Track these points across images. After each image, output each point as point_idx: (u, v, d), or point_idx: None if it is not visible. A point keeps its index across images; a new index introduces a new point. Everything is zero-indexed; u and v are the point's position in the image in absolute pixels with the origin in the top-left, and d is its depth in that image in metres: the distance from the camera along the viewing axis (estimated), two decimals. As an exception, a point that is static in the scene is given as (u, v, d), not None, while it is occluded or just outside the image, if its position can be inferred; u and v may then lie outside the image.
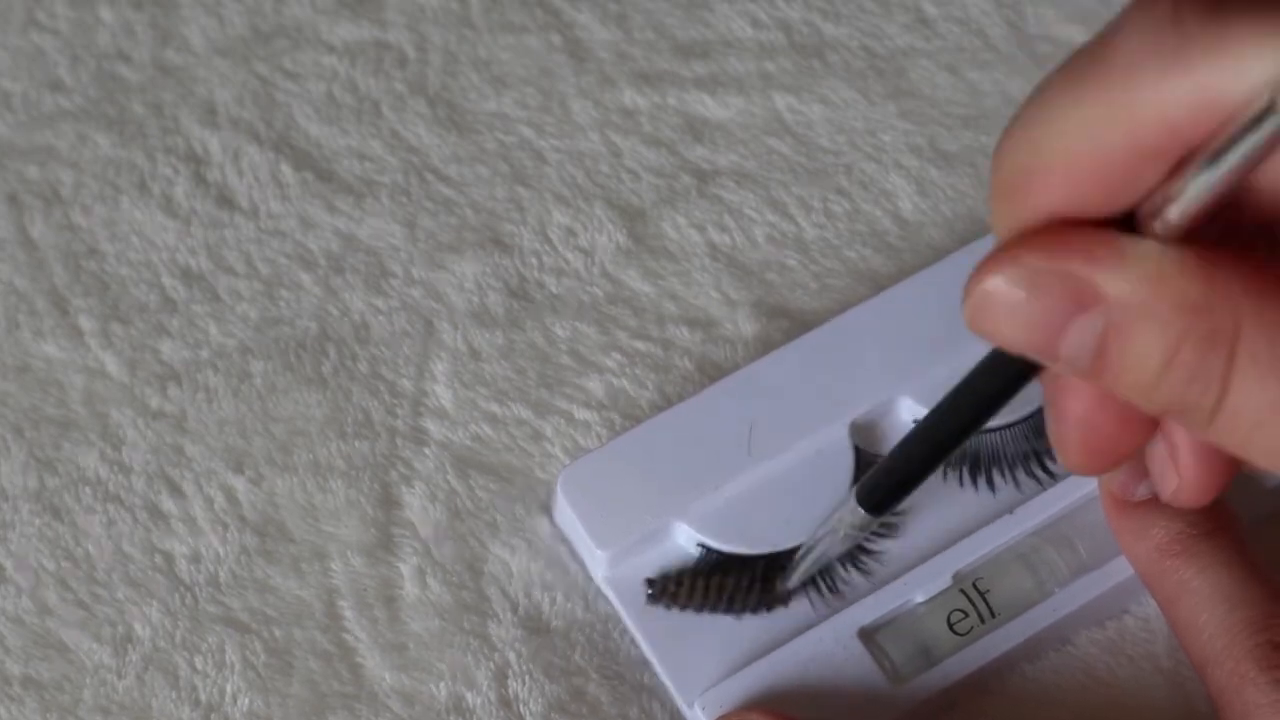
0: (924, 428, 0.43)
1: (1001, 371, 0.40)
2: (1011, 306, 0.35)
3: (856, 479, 0.49)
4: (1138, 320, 0.34)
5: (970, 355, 0.51)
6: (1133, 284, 0.34)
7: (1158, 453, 0.41)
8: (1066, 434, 0.40)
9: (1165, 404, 0.35)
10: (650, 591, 0.48)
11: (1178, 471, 0.41)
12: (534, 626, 0.49)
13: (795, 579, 0.48)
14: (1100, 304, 0.34)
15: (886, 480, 0.45)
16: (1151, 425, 0.40)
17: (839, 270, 0.55)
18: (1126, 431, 0.39)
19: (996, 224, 0.36)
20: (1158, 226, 0.34)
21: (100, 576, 0.50)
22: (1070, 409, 0.39)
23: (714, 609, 0.48)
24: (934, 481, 0.50)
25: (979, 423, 0.42)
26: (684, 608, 0.48)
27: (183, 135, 0.57)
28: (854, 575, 0.49)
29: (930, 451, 0.44)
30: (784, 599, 0.48)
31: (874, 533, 0.49)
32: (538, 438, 0.52)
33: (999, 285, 0.35)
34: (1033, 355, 0.36)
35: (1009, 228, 0.36)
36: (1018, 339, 0.36)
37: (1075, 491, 0.49)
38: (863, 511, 0.46)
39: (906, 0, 0.59)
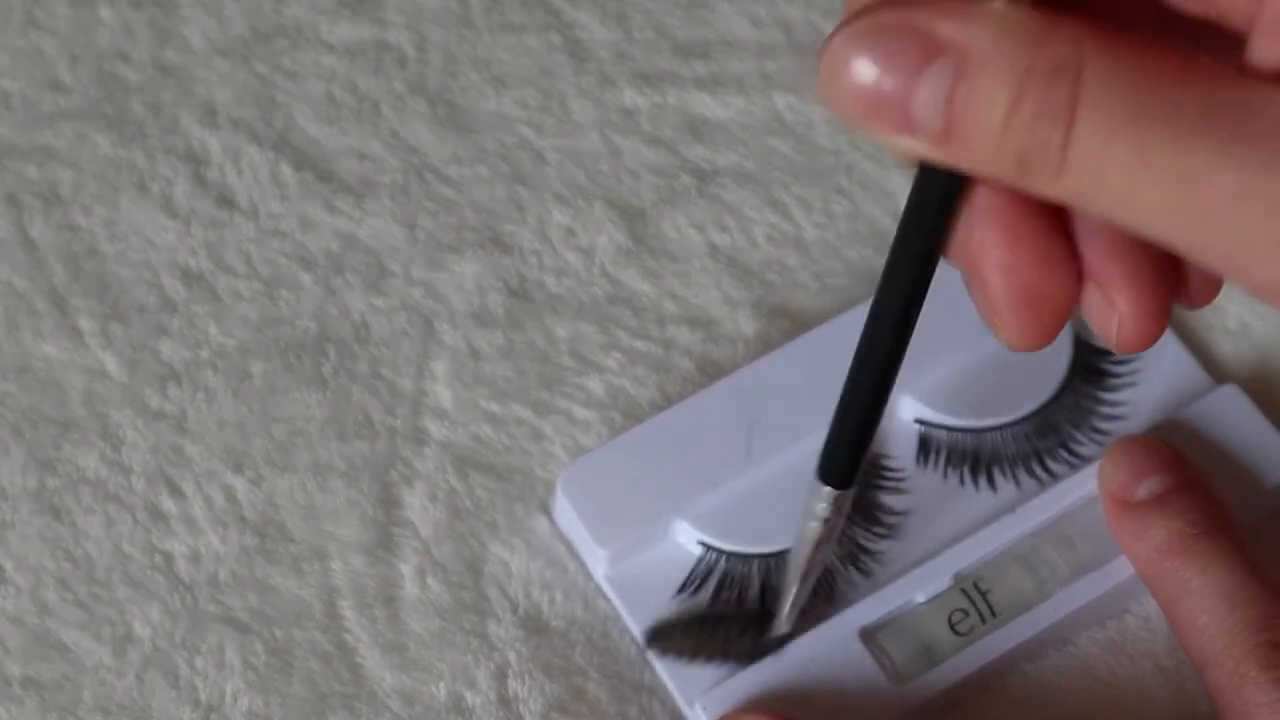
0: (852, 372, 0.41)
1: (908, 254, 0.38)
2: (860, 66, 0.34)
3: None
4: (983, 63, 0.33)
5: (970, 355, 0.51)
6: (977, 29, 0.33)
7: (1093, 300, 0.38)
8: (993, 298, 0.38)
9: (1015, 154, 0.34)
10: (649, 640, 0.48)
11: (1115, 308, 0.38)
12: (534, 626, 0.49)
13: (788, 618, 0.47)
14: (946, 52, 0.34)
15: (840, 443, 0.43)
16: (1073, 268, 0.38)
17: (839, 270, 0.55)
18: (1048, 274, 0.37)
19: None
20: None
21: (100, 576, 0.50)
22: (986, 265, 0.38)
23: (709, 659, 0.48)
24: (934, 481, 0.50)
25: (904, 339, 0.40)
26: (679, 657, 0.48)
27: (183, 135, 0.57)
28: (854, 575, 0.49)
29: (872, 388, 0.41)
30: (780, 644, 0.48)
31: (874, 533, 0.49)
32: (538, 437, 0.52)
33: (847, 44, 0.34)
34: (886, 128, 0.35)
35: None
36: (869, 105, 0.34)
37: (1075, 491, 0.49)
38: (826, 488, 0.44)
39: (906, 0, 0.59)
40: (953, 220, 0.37)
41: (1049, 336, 0.38)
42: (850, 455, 0.43)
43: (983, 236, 0.37)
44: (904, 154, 0.35)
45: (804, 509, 0.45)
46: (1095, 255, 0.38)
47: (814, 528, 0.45)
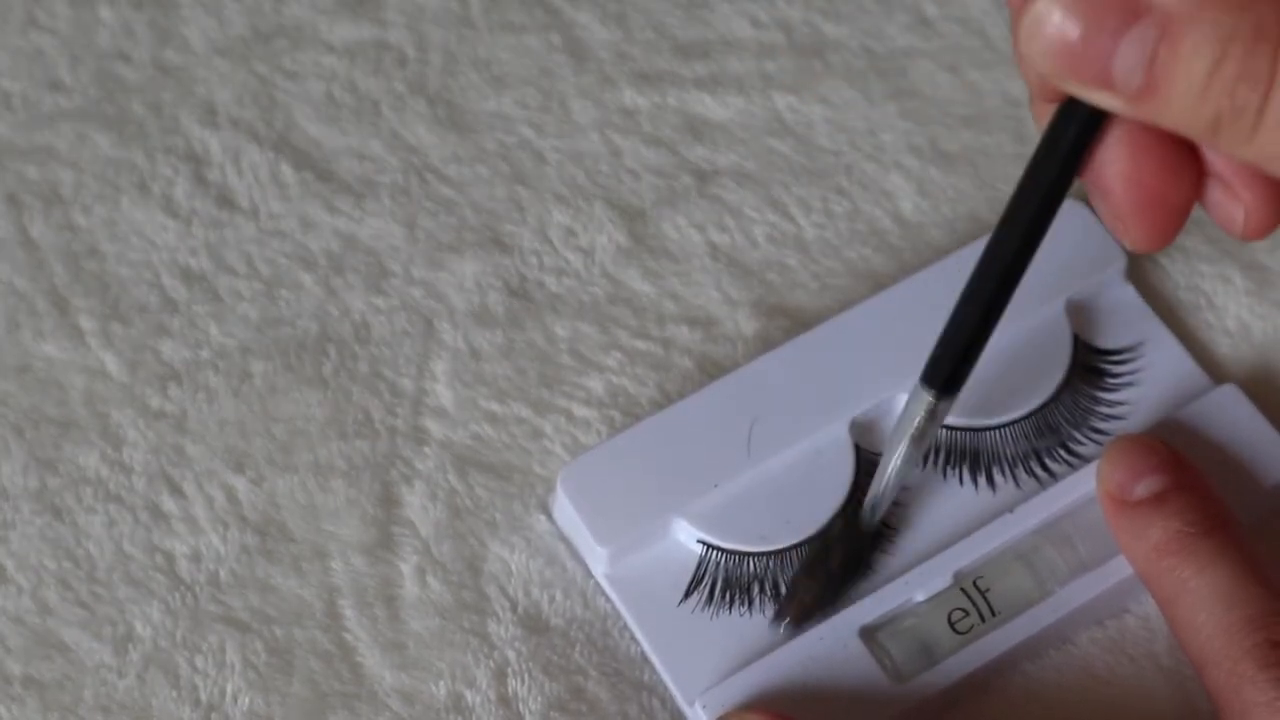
0: (976, 278, 0.43)
1: (1050, 164, 0.40)
2: (1066, 22, 0.36)
3: (856, 478, 0.49)
4: (1188, 24, 0.35)
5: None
6: None
7: (1215, 197, 0.41)
8: (1118, 204, 0.40)
9: (1212, 115, 0.36)
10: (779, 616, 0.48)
11: (1241, 202, 0.40)
12: (533, 625, 0.49)
13: (881, 508, 0.48)
14: (1150, 14, 0.35)
15: (950, 348, 0.44)
16: (1193, 171, 0.40)
17: (839, 270, 0.55)
18: (1170, 180, 0.39)
19: None
20: None
21: (101, 576, 0.50)
22: (1114, 174, 0.40)
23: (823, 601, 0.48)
24: (934, 481, 0.50)
25: (1035, 244, 0.42)
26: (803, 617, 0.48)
27: (183, 135, 0.57)
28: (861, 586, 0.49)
29: (989, 299, 0.43)
30: (871, 544, 0.49)
31: (873, 536, 0.49)
32: (538, 436, 0.52)
33: (1051, 5, 0.36)
34: (1083, 83, 0.36)
35: None
36: (1069, 60, 0.36)
37: (1075, 491, 0.49)
38: (930, 397, 0.45)
39: (906, 0, 0.59)
40: (1093, 149, 0.39)
41: (1170, 238, 0.40)
42: (957, 363, 0.45)
43: (1108, 151, 0.39)
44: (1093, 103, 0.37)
45: (903, 412, 0.46)
46: (1220, 158, 0.39)
47: (911, 431, 0.46)
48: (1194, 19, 0.35)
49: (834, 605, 0.48)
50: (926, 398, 0.46)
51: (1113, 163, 0.39)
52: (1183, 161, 0.39)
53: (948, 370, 0.45)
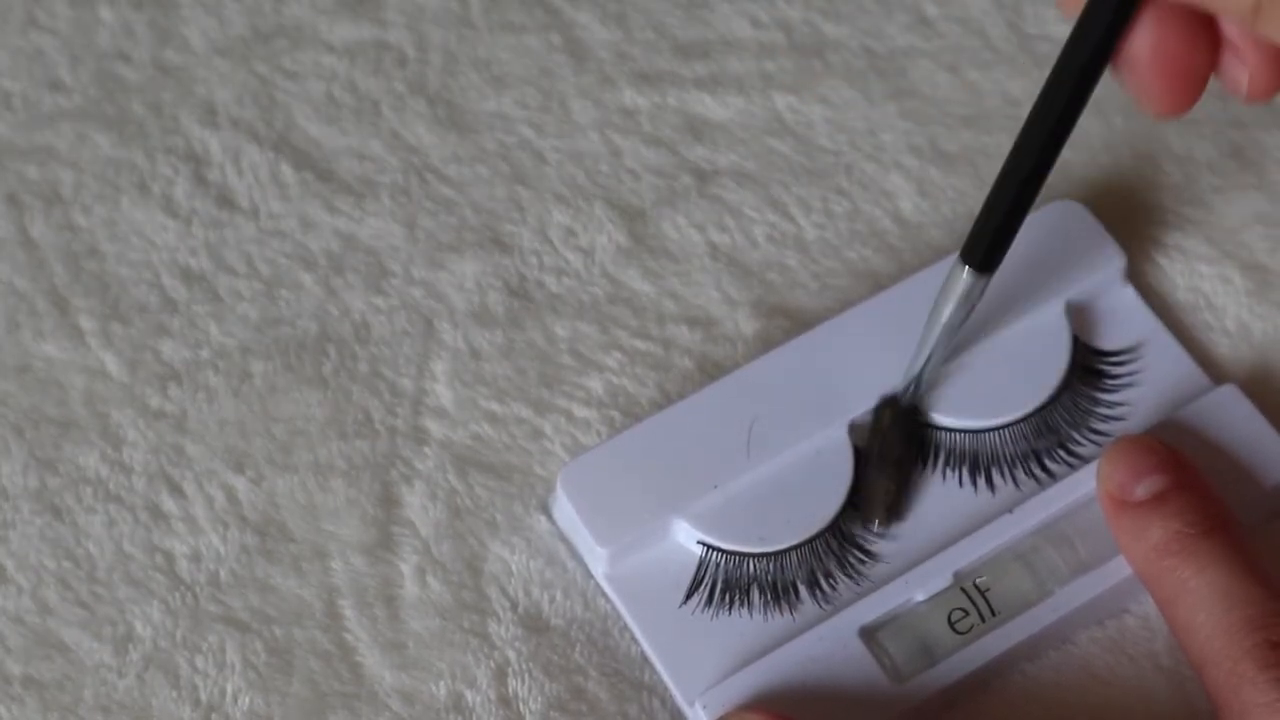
0: (1014, 155, 0.45)
1: (1086, 42, 0.43)
2: None
3: (856, 479, 0.50)
4: None
5: (969, 356, 0.51)
6: None
7: (1224, 63, 0.44)
8: (1143, 72, 0.43)
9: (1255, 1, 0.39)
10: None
11: (1246, 66, 0.43)
12: (534, 625, 0.49)
13: (922, 384, 0.50)
14: None
15: (985, 225, 0.46)
16: (1211, 41, 0.43)
17: (839, 270, 0.55)
18: (1192, 48, 0.43)
19: None
20: None
21: (101, 576, 0.50)
22: (1138, 45, 0.43)
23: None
24: (934, 482, 0.50)
25: (1072, 119, 0.44)
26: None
27: (183, 135, 0.57)
28: (853, 574, 0.49)
29: (1026, 174, 0.45)
30: (921, 424, 0.50)
31: (874, 534, 0.49)
32: (538, 436, 0.52)
33: None
34: None
35: None
36: None
37: (1074, 491, 0.49)
38: (967, 270, 0.46)
39: (906, 0, 0.59)
40: (1127, 30, 0.43)
41: (1191, 103, 0.44)
42: (995, 239, 0.46)
43: (1138, 24, 0.43)
44: None
45: (941, 290, 0.47)
46: (1231, 26, 0.43)
47: (949, 308, 0.48)
48: None
49: (909, 492, 0.50)
50: (964, 275, 0.47)
51: (1141, 34, 0.43)
52: (1202, 32, 0.43)
53: (986, 248, 0.47)
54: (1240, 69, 0.43)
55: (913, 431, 0.50)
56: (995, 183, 0.46)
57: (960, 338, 0.50)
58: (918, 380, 0.50)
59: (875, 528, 0.49)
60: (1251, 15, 0.40)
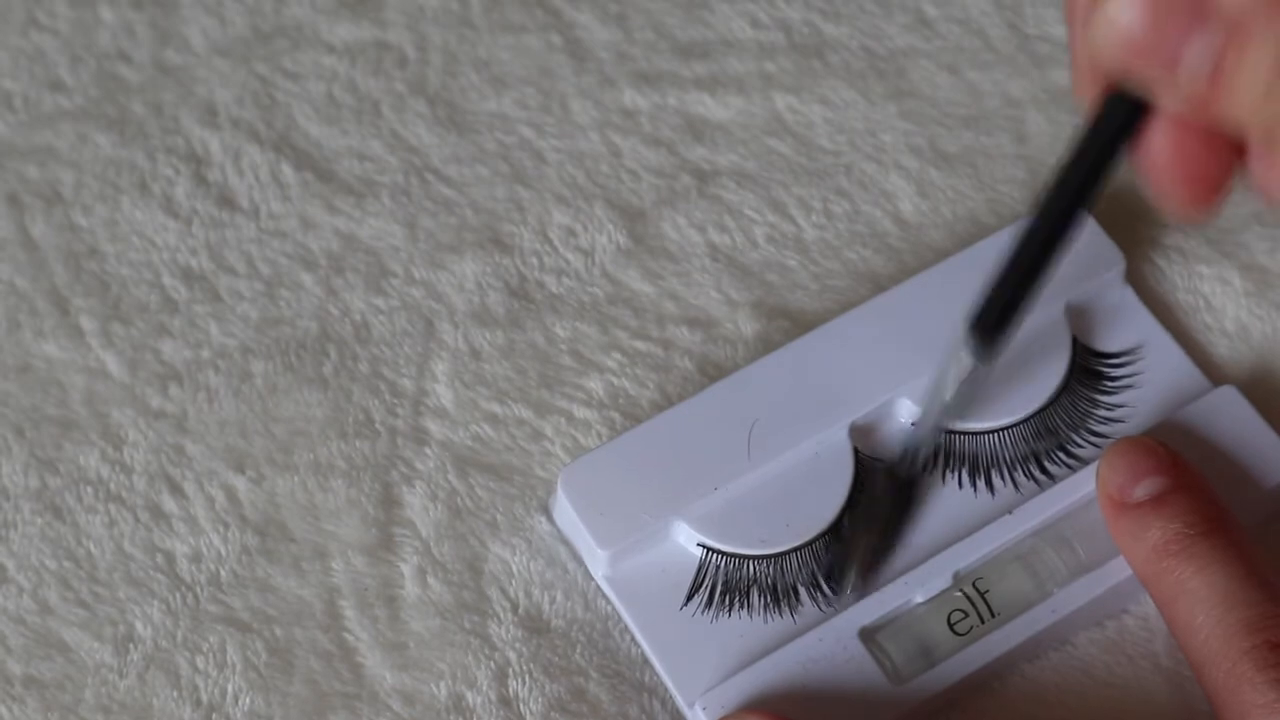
0: (1027, 230, 0.43)
1: (1100, 138, 0.41)
2: (1138, 16, 0.37)
3: (856, 480, 0.50)
4: (1255, 31, 0.36)
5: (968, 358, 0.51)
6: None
7: (1254, 164, 0.42)
8: (1162, 173, 0.41)
9: (1269, 124, 0.37)
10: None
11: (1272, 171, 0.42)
12: (534, 626, 0.49)
13: (920, 460, 0.49)
14: (1220, 15, 0.36)
15: (994, 297, 0.45)
16: (1235, 145, 0.41)
17: (839, 271, 0.55)
18: (1214, 155, 0.41)
19: None
20: None
21: (101, 576, 0.50)
22: (1158, 151, 0.41)
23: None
24: (933, 484, 0.50)
25: (1084, 203, 0.43)
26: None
27: (183, 135, 0.57)
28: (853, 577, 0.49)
29: (1038, 249, 0.43)
30: (915, 485, 0.49)
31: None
32: (538, 437, 0.52)
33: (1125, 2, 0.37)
34: (1148, 74, 0.38)
35: None
36: (1138, 52, 0.37)
37: (1074, 492, 0.49)
38: (972, 352, 0.45)
39: (906, 0, 0.59)
40: (1141, 130, 0.41)
41: (1214, 204, 0.42)
42: (1005, 312, 0.45)
43: (1154, 128, 0.41)
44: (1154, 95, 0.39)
45: (949, 354, 0.46)
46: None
47: (956, 375, 0.46)
48: (1262, 27, 0.36)
49: (890, 557, 0.49)
50: (969, 360, 0.46)
51: (1158, 139, 0.41)
52: (1225, 137, 0.41)
53: (995, 320, 0.45)
54: (1272, 173, 0.41)
55: (906, 502, 0.49)
56: (1006, 261, 0.44)
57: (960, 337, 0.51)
58: (915, 453, 0.49)
59: (847, 589, 0.48)
60: (1265, 138, 0.38)
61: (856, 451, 0.50)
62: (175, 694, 0.48)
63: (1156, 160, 0.41)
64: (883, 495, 0.49)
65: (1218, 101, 0.38)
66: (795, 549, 0.49)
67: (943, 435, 0.49)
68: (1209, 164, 0.41)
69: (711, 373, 0.53)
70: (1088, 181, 0.42)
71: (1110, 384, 0.52)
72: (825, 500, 0.49)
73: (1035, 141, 0.57)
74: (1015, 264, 0.44)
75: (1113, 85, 0.40)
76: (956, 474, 0.50)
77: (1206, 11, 0.37)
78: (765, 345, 0.53)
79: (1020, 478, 0.50)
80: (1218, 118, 0.38)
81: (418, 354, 0.53)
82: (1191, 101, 0.38)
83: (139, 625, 0.49)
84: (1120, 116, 0.41)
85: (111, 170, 0.56)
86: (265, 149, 0.56)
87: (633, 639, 0.49)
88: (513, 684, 0.48)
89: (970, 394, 0.47)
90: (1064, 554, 0.49)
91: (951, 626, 0.48)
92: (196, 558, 0.50)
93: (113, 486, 0.51)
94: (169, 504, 0.51)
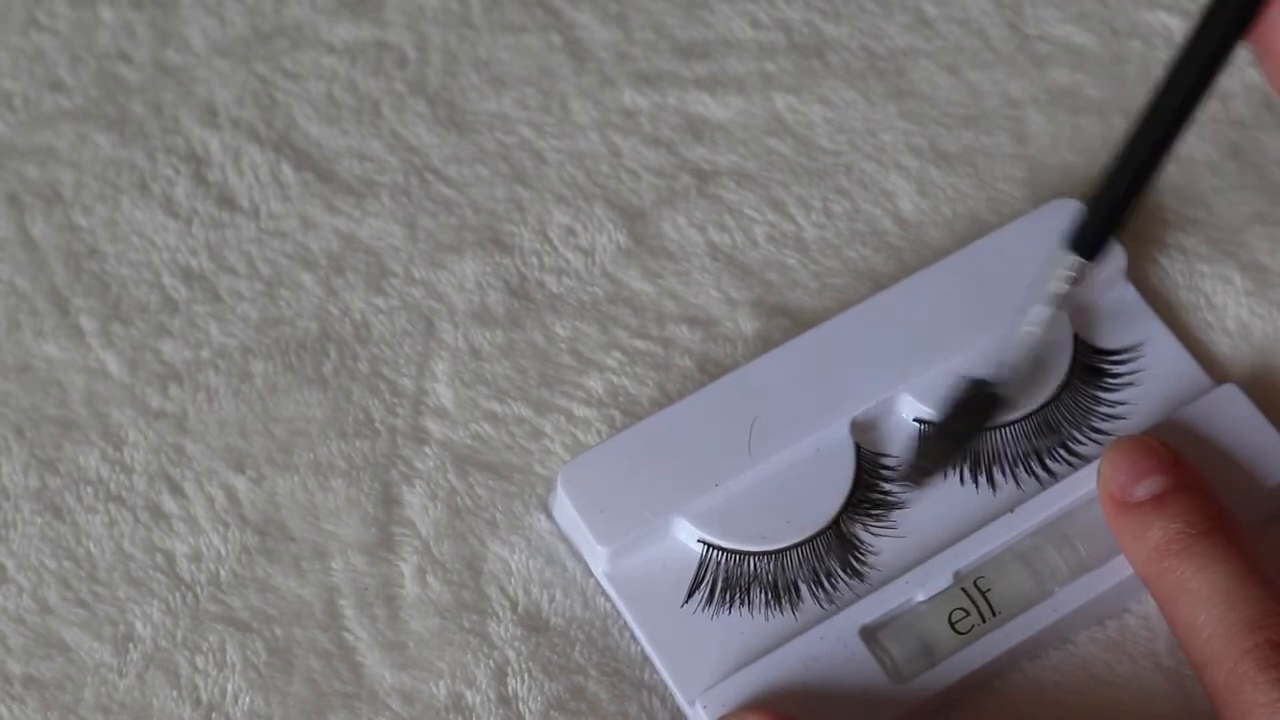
0: (1122, 151, 0.44)
1: (1214, 31, 0.42)
2: None
3: (857, 477, 0.50)
4: None
5: (969, 355, 0.51)
6: None
7: None
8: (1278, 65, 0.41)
9: None
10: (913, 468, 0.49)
11: None
12: (533, 624, 0.49)
13: (1013, 364, 0.49)
14: None
15: (1093, 213, 0.45)
16: None
17: (839, 270, 0.55)
18: None
19: None
20: None
21: (101, 576, 0.50)
22: (1277, 39, 0.41)
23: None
24: (934, 481, 0.50)
25: (1182, 125, 0.43)
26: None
27: (183, 135, 0.57)
28: (854, 574, 0.49)
29: (1134, 171, 0.44)
30: (1007, 401, 0.49)
31: (874, 532, 0.49)
32: (538, 435, 0.52)
33: None
34: None
35: None
36: None
37: (1075, 491, 0.49)
38: (1072, 257, 0.46)
39: (906, 0, 0.59)
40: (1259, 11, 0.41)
41: None
42: (1102, 229, 0.46)
43: (1274, 11, 0.41)
44: None
45: (1043, 275, 0.47)
46: None
47: (1052, 293, 0.47)
48: None
49: (954, 461, 0.49)
50: (1073, 260, 0.46)
51: (1278, 23, 0.41)
52: None
53: (1092, 237, 0.46)
54: None
55: (985, 410, 0.50)
56: (1105, 175, 0.45)
57: (960, 338, 0.50)
58: (1009, 364, 0.49)
59: (917, 462, 0.49)
60: None
61: (858, 447, 0.50)
62: (175, 694, 0.48)
63: (1276, 45, 0.41)
64: (971, 407, 0.49)
65: None
66: (796, 545, 0.49)
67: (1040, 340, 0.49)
68: None
69: (711, 371, 0.53)
70: (1208, 65, 0.42)
71: (1112, 381, 0.52)
72: (826, 496, 0.49)
73: (1035, 141, 0.57)
74: (1113, 184, 0.44)
75: None
76: (958, 471, 0.50)
77: None
78: (765, 344, 0.53)
79: (1022, 474, 0.50)
80: None
81: (418, 354, 0.53)
82: None
83: (139, 625, 0.49)
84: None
85: (111, 170, 0.56)
86: (265, 149, 0.56)
87: (632, 637, 0.49)
88: (512, 682, 0.48)
89: (1075, 296, 0.47)
90: (1065, 553, 0.49)
91: (952, 625, 0.48)
92: (196, 557, 0.50)
93: (113, 486, 0.51)
94: (169, 504, 0.51)
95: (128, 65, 0.58)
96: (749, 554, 0.49)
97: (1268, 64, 0.42)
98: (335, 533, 0.50)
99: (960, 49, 0.58)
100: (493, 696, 0.48)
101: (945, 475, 0.50)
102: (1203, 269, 0.54)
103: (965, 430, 0.50)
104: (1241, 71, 0.57)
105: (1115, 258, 0.53)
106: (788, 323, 0.53)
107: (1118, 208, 0.46)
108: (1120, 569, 0.48)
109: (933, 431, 0.50)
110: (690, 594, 0.49)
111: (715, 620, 0.48)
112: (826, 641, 0.48)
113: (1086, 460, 0.50)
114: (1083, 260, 0.47)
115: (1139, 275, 0.54)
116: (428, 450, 0.52)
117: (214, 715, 0.48)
